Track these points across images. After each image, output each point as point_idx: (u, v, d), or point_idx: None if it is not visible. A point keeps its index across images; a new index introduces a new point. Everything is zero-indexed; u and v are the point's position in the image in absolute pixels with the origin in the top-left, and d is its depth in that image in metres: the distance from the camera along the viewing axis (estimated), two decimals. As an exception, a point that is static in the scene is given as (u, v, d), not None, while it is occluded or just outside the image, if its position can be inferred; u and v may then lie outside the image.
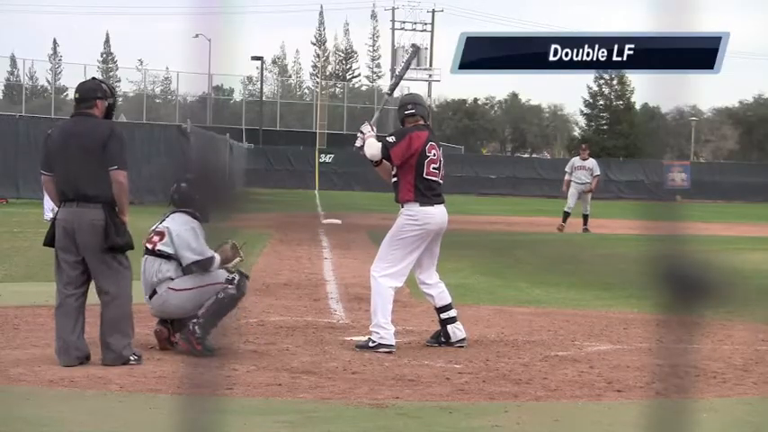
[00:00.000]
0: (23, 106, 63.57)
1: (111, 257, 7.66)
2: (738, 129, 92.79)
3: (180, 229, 8.22)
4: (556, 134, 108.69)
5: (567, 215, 25.65)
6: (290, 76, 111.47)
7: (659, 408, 2.38)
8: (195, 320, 8.00)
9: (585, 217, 25.41)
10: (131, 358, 7.68)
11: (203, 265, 8.12)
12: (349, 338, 9.19)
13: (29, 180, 32.11)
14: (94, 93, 7.82)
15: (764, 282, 13.74)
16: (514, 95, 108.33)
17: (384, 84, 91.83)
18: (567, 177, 25.83)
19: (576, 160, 26.05)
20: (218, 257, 8.21)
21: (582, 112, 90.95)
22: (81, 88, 7.90)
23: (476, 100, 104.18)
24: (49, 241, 7.85)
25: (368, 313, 10.72)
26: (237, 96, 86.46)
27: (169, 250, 8.19)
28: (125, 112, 67.61)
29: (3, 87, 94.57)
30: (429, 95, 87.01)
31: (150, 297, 8.28)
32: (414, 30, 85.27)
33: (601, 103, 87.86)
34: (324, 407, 6.54)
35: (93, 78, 8.26)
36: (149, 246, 8.29)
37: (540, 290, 13.22)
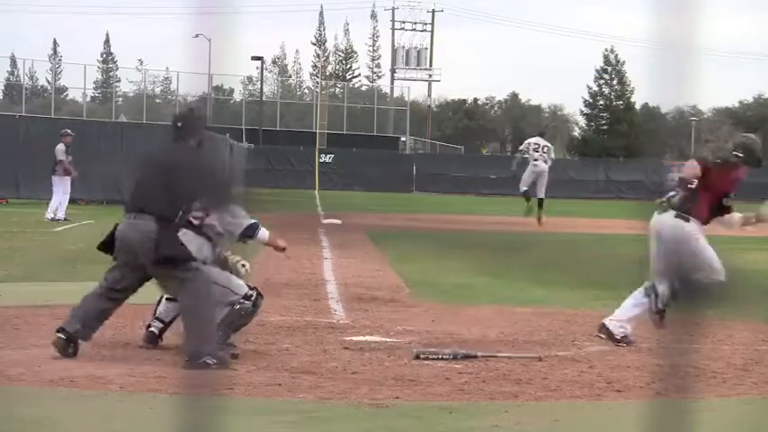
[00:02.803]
0: (23, 106, 63.57)
1: (171, 269, 7.71)
2: (738, 129, 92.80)
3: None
4: (556, 134, 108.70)
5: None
6: (290, 76, 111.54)
7: (659, 408, 2.38)
8: None
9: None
10: (209, 362, 7.39)
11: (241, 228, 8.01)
12: (349, 338, 9.18)
13: (29, 180, 32.13)
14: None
15: (764, 282, 13.74)
16: (514, 95, 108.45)
17: (384, 84, 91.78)
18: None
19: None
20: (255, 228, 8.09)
21: (582, 112, 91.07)
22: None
23: (476, 100, 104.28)
24: (103, 247, 7.97)
25: (367, 313, 10.75)
26: (237, 96, 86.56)
27: (214, 228, 8.02)
28: (125, 112, 67.64)
29: (3, 87, 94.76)
30: (429, 95, 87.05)
31: None
32: (414, 30, 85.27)
33: (601, 103, 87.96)
34: (324, 407, 6.53)
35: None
36: (195, 221, 7.95)
37: (540, 290, 13.22)
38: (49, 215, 24.74)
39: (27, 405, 6.45)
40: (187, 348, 7.57)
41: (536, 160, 25.11)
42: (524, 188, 25.14)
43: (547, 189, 25.39)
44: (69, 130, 25.82)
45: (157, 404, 6.43)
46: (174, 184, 7.80)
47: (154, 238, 7.65)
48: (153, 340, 8.39)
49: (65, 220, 24.26)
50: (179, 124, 8.16)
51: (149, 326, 8.46)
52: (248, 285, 8.21)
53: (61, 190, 24.93)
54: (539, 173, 25.02)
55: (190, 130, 8.11)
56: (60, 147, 25.08)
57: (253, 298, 8.15)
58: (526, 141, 25.86)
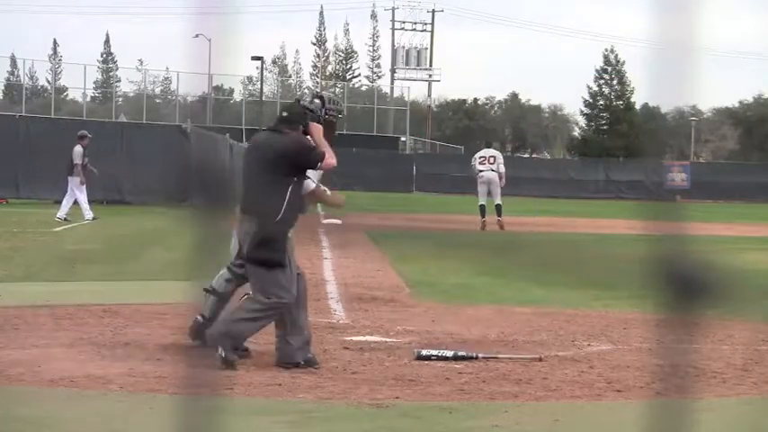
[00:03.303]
0: (23, 106, 63.59)
1: (258, 266, 7.66)
2: (738, 129, 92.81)
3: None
4: (556, 134, 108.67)
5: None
6: (290, 76, 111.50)
7: (659, 408, 2.38)
8: None
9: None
10: (221, 353, 7.45)
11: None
12: (349, 338, 9.18)
13: (28, 180, 32.14)
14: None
15: (764, 282, 13.73)
16: (514, 95, 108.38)
17: (384, 84, 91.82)
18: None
19: None
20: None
21: (582, 112, 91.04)
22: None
23: (476, 100, 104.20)
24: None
25: (367, 313, 10.75)
26: (237, 96, 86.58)
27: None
28: (125, 112, 67.64)
29: (3, 87, 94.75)
30: (429, 95, 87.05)
31: None
32: (414, 30, 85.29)
33: (601, 103, 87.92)
34: (324, 407, 6.54)
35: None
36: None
37: (540, 290, 13.21)
38: (88, 215, 24.77)
39: (27, 405, 6.45)
40: (211, 330, 7.67)
41: (481, 172, 25.39)
42: (481, 202, 25.50)
43: (502, 194, 25.54)
44: (87, 132, 25.83)
45: (157, 404, 6.43)
46: (275, 172, 7.66)
47: (250, 242, 7.60)
48: (198, 330, 8.25)
49: (65, 219, 24.27)
50: (284, 114, 8.08)
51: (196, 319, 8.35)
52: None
53: (79, 190, 25.02)
54: (487, 182, 25.28)
55: (293, 121, 7.98)
56: (78, 149, 25.13)
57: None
58: (473, 156, 26.02)
